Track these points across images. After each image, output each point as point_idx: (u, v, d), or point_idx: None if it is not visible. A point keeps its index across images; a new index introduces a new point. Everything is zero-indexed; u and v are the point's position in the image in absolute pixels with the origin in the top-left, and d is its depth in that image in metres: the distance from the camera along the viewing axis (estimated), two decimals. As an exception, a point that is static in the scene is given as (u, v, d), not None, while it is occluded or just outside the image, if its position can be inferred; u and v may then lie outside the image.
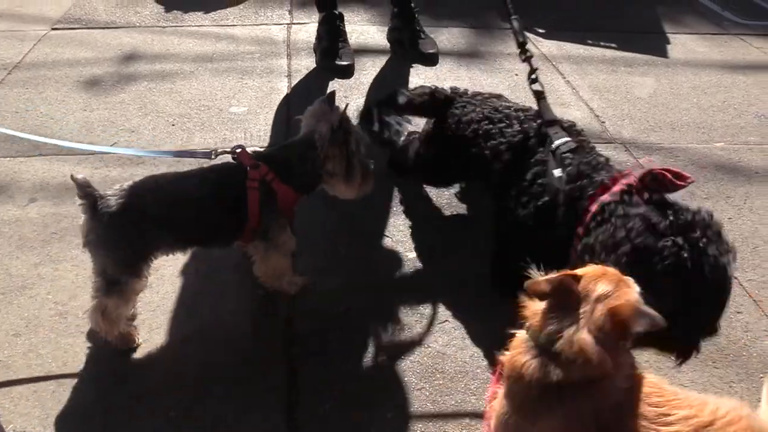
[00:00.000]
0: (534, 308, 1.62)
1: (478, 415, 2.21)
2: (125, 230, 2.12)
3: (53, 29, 4.73)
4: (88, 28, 4.78)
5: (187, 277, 2.68)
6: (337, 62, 4.14)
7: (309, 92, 4.07)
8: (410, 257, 2.86)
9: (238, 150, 2.34)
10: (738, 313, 2.71)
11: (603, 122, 3.99)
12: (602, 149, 3.67)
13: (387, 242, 2.94)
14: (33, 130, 3.55)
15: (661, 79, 4.59)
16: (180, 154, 2.79)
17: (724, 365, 2.48)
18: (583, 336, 1.50)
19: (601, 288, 1.55)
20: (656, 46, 5.05)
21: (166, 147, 3.48)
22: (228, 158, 2.38)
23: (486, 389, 2.30)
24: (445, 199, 3.24)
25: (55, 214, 2.96)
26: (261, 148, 2.77)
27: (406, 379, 2.33)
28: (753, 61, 4.98)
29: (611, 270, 1.65)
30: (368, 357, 2.41)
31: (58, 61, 4.31)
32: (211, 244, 2.44)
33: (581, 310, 1.53)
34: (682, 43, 5.16)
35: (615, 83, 4.47)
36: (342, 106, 2.37)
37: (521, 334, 1.65)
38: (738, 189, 3.49)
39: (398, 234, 2.99)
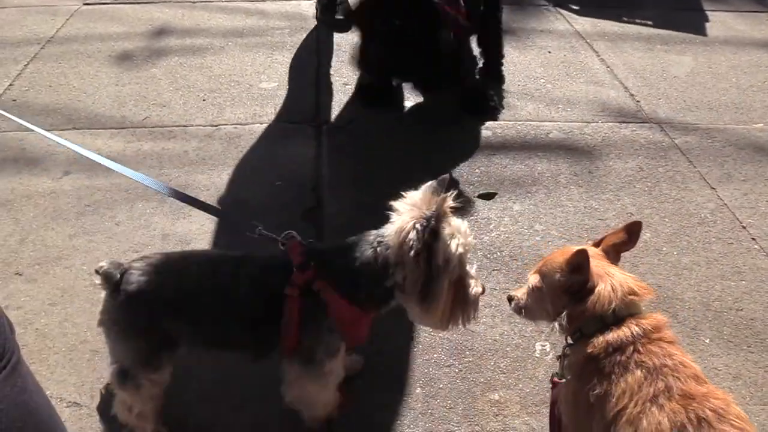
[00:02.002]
0: (572, 317, 1.65)
1: (508, 393, 2.20)
2: (139, 316, 1.77)
3: (85, 4, 4.75)
4: (120, 3, 4.80)
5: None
6: (335, 16, 4.37)
7: (338, 68, 4.05)
8: (440, 235, 2.84)
9: (288, 239, 1.81)
10: (775, 297, 2.66)
11: (638, 101, 3.91)
12: (637, 129, 3.64)
13: (417, 220, 2.93)
14: (66, 105, 3.60)
15: (699, 57, 4.47)
16: (220, 213, 2.30)
17: (759, 350, 2.44)
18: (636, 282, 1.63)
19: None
20: (694, 24, 4.92)
21: (196, 122, 3.49)
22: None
23: (515, 368, 2.30)
24: (475, 175, 3.20)
25: (89, 187, 3.00)
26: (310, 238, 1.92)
27: (435, 356, 2.33)
28: (795, 40, 4.82)
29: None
30: (398, 334, 2.41)
31: (90, 35, 4.34)
32: (238, 351, 1.90)
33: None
34: (722, 21, 5.01)
35: (651, 62, 4.37)
36: (448, 197, 1.69)
37: (575, 341, 1.69)
38: (777, 171, 3.40)
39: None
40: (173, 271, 1.81)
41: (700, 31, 4.84)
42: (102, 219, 2.84)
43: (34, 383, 1.13)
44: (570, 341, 1.70)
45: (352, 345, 1.85)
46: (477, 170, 3.26)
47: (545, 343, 2.39)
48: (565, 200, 3.08)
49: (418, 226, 1.62)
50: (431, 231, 1.61)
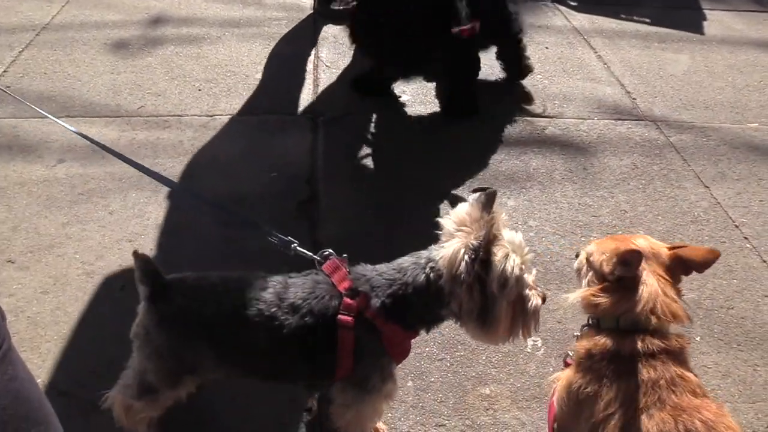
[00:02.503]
0: (593, 301, 1.66)
1: (499, 387, 2.21)
2: (176, 339, 1.71)
3: (81, -9, 4.72)
4: (116, -10, 4.76)
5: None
6: (332, 7, 4.44)
7: (336, 60, 4.04)
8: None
9: (328, 259, 1.74)
10: (765, 296, 2.67)
11: (634, 99, 3.91)
12: (632, 127, 3.64)
13: (412, 212, 2.93)
14: (61, 92, 3.57)
15: (696, 56, 4.48)
16: (253, 222, 2.02)
17: (748, 348, 2.45)
18: (674, 304, 1.61)
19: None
20: (692, 22, 4.92)
21: (192, 111, 3.48)
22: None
23: (506, 362, 2.30)
24: (469, 170, 3.21)
25: (83, 175, 2.98)
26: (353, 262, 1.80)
27: (427, 349, 2.33)
28: (792, 40, 4.83)
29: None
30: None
31: (85, 23, 4.31)
32: (286, 382, 1.89)
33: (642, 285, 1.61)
34: (719, 20, 5.02)
35: (648, 59, 4.37)
36: (497, 216, 1.62)
37: (587, 327, 1.72)
38: (771, 171, 3.41)
39: (423, 205, 2.97)
40: (214, 294, 1.71)
41: (698, 29, 4.85)
42: (95, 208, 2.83)
43: (25, 371, 1.13)
44: (587, 323, 1.72)
45: (400, 362, 1.80)
46: (472, 165, 3.26)
47: (537, 339, 2.40)
48: (559, 196, 3.09)
49: (467, 257, 1.54)
50: (481, 262, 1.54)
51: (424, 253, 1.68)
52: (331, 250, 1.76)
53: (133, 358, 1.80)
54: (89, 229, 2.72)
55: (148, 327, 1.71)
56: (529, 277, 1.64)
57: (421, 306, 1.65)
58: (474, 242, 1.55)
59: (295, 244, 1.81)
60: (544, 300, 1.68)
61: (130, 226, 2.75)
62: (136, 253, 1.68)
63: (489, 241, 1.54)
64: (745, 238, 2.96)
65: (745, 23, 5.01)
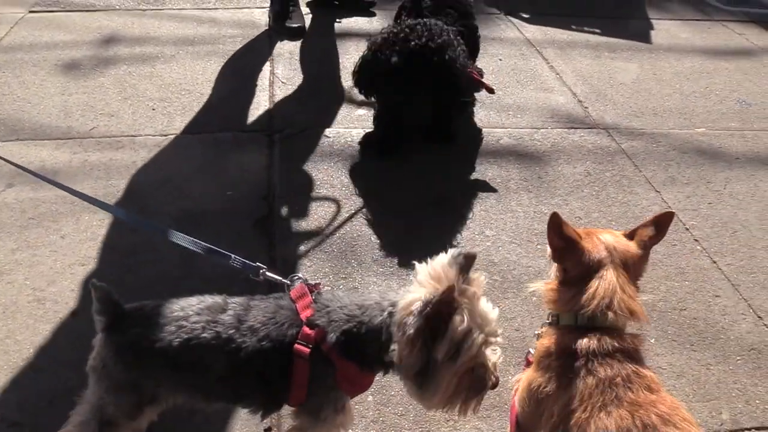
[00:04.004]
0: (551, 296, 1.69)
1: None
2: (135, 370, 1.67)
3: (31, 12, 4.64)
4: (67, 10, 4.70)
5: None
6: (287, 24, 4.45)
7: (292, 76, 4.04)
8: (392, 241, 2.86)
9: (295, 284, 1.73)
10: (716, 296, 2.74)
11: (586, 108, 3.99)
12: (585, 135, 3.72)
13: (369, 227, 2.93)
14: (9, 115, 3.50)
15: (644, 64, 4.60)
16: (215, 252, 1.85)
17: (701, 348, 2.51)
18: (632, 301, 1.63)
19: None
20: (640, 32, 5.06)
21: (145, 131, 3.44)
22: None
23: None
24: (426, 181, 3.23)
25: (33, 200, 2.92)
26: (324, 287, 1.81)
27: (387, 363, 2.33)
28: (735, 47, 5.00)
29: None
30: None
31: (35, 44, 4.23)
32: (241, 405, 1.84)
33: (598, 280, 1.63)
34: (666, 29, 5.17)
35: (598, 69, 4.48)
36: (472, 282, 1.58)
37: (547, 325, 1.73)
38: (718, 174, 3.51)
39: (380, 219, 2.98)
40: (172, 322, 1.65)
41: (646, 38, 4.98)
42: (47, 232, 2.77)
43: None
44: (547, 320, 1.74)
45: (354, 396, 1.78)
46: (429, 176, 3.29)
47: (495, 348, 2.41)
48: (515, 205, 3.13)
49: (415, 309, 1.48)
50: (431, 323, 1.47)
51: (390, 295, 1.65)
52: (301, 275, 1.75)
53: (89, 392, 1.74)
54: (40, 254, 2.66)
55: (105, 359, 1.66)
56: (491, 357, 1.56)
57: (375, 348, 1.60)
58: (430, 294, 1.49)
59: (264, 269, 1.79)
60: (494, 386, 1.61)
61: (83, 249, 2.69)
62: (94, 285, 1.64)
63: (446, 303, 1.47)
64: (696, 240, 3.04)
65: (690, 32, 5.17)
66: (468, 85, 3.31)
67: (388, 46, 3.05)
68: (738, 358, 2.48)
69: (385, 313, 1.60)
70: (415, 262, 1.63)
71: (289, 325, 1.63)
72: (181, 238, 1.84)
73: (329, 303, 1.68)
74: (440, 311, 1.47)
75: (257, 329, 1.62)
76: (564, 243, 1.66)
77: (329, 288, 1.74)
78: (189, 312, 1.66)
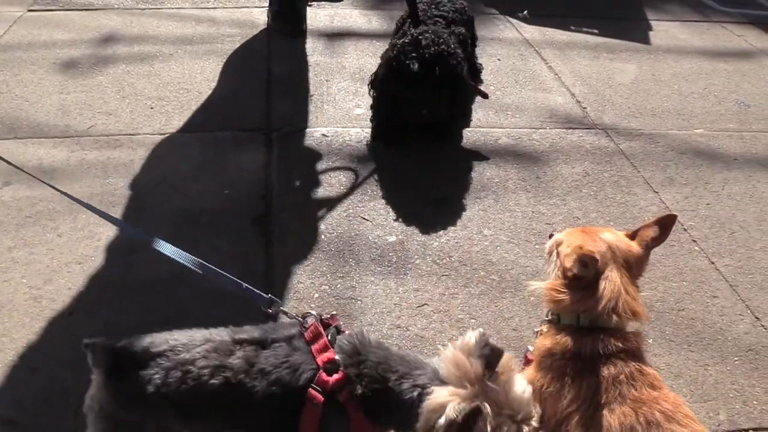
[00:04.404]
0: (556, 297, 1.69)
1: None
2: (135, 415, 1.59)
3: (30, 10, 4.63)
4: (66, 9, 4.69)
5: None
6: (286, 24, 4.46)
7: (290, 75, 4.04)
8: (390, 241, 2.85)
9: (308, 324, 1.63)
10: (714, 297, 2.74)
11: (584, 108, 3.99)
12: (583, 135, 3.72)
13: (367, 226, 2.93)
14: (7, 113, 3.49)
15: (643, 65, 4.60)
16: (225, 278, 1.76)
17: (699, 348, 2.51)
18: (634, 302, 1.65)
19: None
20: (638, 33, 5.06)
21: (144, 130, 3.43)
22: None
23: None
24: (425, 181, 3.23)
25: (30, 198, 2.91)
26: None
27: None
28: (734, 48, 5.01)
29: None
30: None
31: (34, 43, 4.23)
32: None
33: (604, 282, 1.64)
34: (665, 30, 5.17)
35: (597, 69, 4.48)
36: (497, 378, 1.47)
37: (548, 324, 1.74)
38: (716, 175, 3.51)
39: (378, 218, 2.98)
40: (178, 366, 1.56)
41: (644, 39, 4.99)
42: (44, 230, 2.76)
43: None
44: (547, 318, 1.74)
45: None
46: (428, 176, 3.28)
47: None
48: (513, 205, 3.13)
49: (439, 425, 1.41)
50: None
51: (429, 370, 1.54)
52: (314, 312, 1.66)
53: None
54: (37, 252, 2.65)
55: (103, 402, 1.58)
56: None
57: (398, 418, 1.55)
58: (455, 411, 1.41)
59: (278, 303, 1.72)
60: None
61: (80, 248, 2.69)
62: (87, 344, 1.55)
63: (472, 415, 1.40)
64: (694, 240, 3.04)
65: (689, 33, 5.17)
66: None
67: (407, 54, 3.17)
68: (735, 358, 2.48)
69: (421, 391, 1.50)
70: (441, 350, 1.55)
71: (303, 370, 1.56)
72: (196, 264, 1.75)
73: (362, 350, 1.59)
74: (466, 423, 1.40)
75: (268, 372, 1.55)
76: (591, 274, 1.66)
77: (349, 330, 1.65)
78: (195, 354, 1.57)
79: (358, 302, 2.55)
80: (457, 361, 1.49)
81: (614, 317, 1.62)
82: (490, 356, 1.48)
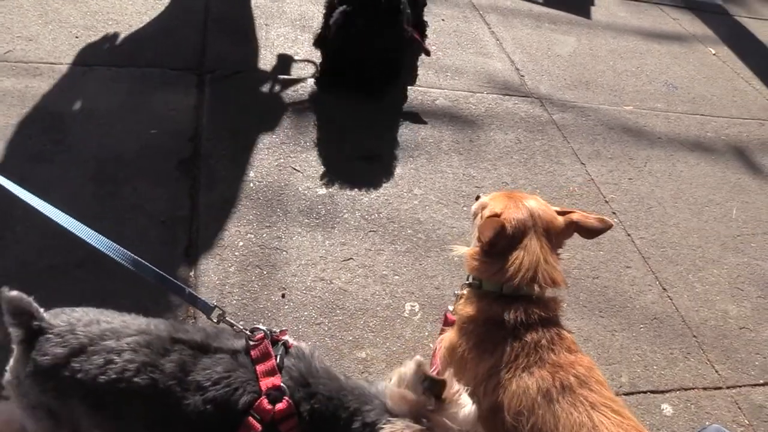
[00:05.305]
0: (474, 264, 1.71)
1: (375, 351, 2.25)
2: (51, 398, 1.44)
3: None
4: None
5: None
6: None
7: (229, 14, 3.88)
8: (319, 194, 2.83)
9: (257, 337, 1.51)
10: (627, 267, 2.87)
11: (522, 76, 4.04)
12: (519, 103, 3.77)
13: (298, 177, 2.89)
14: None
15: (582, 39, 4.68)
16: (168, 281, 1.60)
17: (609, 315, 2.63)
18: (554, 271, 1.68)
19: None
20: (581, 7, 5.13)
21: (67, 60, 3.24)
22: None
23: (383, 327, 2.35)
24: (360, 137, 3.20)
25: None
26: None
27: (306, 313, 2.33)
28: (668, 31, 5.15)
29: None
30: (270, 290, 2.38)
31: (-53, -46, 3.89)
32: None
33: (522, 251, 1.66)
34: (606, 6, 5.26)
35: (538, 39, 4.52)
36: (441, 408, 1.42)
37: (469, 288, 1.76)
38: (640, 152, 3.64)
39: (310, 169, 2.94)
40: (101, 352, 1.41)
41: (586, 14, 5.06)
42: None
43: None
44: (469, 281, 1.76)
45: None
46: (362, 132, 3.26)
47: (414, 304, 2.45)
48: (445, 166, 3.15)
49: None
50: None
51: (376, 401, 1.45)
52: (262, 327, 1.52)
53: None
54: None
55: (20, 377, 1.44)
56: None
57: None
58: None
59: (221, 312, 1.59)
60: None
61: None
62: (2, 293, 1.41)
63: None
64: (614, 213, 3.15)
65: (628, 11, 5.28)
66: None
67: (353, 10, 3.19)
68: (641, 326, 2.62)
69: (370, 420, 1.43)
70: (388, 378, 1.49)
71: (243, 391, 1.42)
72: (136, 264, 1.57)
73: (311, 379, 1.47)
74: None
75: (205, 388, 1.41)
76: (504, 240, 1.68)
77: (299, 345, 1.56)
78: (124, 345, 1.43)
79: (284, 253, 2.53)
80: (404, 397, 1.43)
81: (536, 287, 1.66)
82: (432, 388, 1.41)
